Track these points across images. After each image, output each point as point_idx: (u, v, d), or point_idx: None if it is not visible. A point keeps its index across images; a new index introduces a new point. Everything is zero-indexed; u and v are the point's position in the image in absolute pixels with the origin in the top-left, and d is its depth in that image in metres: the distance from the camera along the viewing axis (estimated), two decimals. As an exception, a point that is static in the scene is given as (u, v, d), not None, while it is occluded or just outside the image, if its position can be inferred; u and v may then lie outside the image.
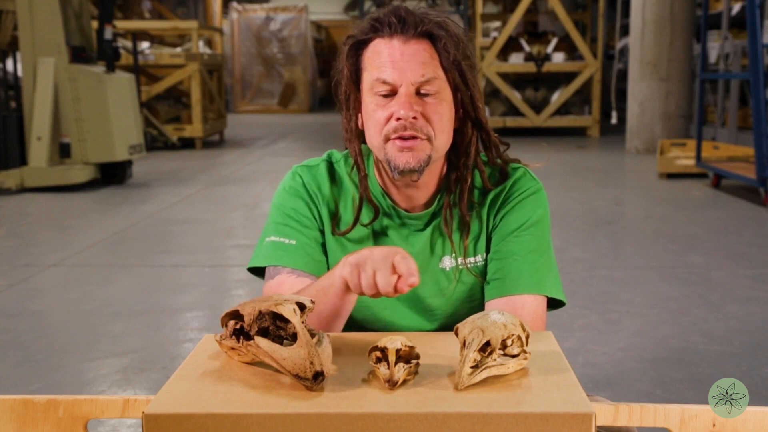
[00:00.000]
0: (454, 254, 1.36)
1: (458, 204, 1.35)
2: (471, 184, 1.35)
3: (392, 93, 1.26)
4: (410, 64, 1.25)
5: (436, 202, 1.36)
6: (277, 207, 1.38)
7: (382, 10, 1.30)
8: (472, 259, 1.36)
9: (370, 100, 1.28)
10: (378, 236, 1.37)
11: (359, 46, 1.30)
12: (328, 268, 1.37)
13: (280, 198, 1.39)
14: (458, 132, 1.33)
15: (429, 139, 1.26)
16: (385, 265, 1.10)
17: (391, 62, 1.25)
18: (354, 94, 1.32)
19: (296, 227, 1.35)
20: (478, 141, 1.36)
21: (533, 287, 1.31)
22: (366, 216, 1.36)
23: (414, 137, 1.25)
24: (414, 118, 1.24)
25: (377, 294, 1.12)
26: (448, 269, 1.36)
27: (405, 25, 1.26)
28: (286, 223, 1.36)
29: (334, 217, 1.38)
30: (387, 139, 1.27)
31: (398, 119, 1.25)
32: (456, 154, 1.35)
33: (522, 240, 1.33)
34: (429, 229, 1.37)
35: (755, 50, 5.53)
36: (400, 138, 1.25)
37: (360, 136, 1.35)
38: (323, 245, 1.38)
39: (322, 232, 1.38)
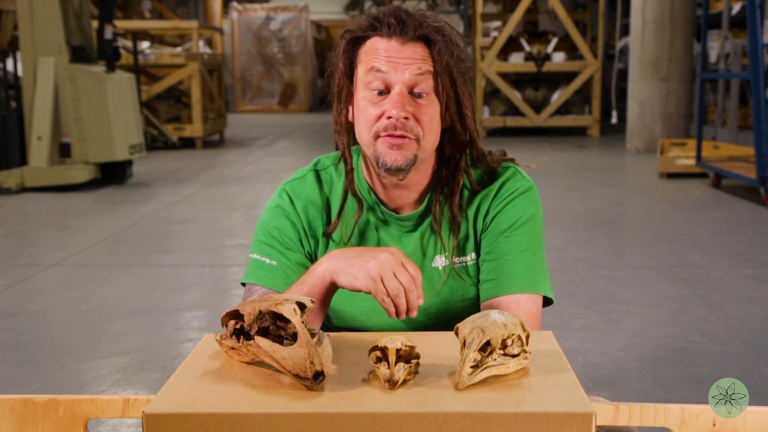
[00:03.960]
0: (445, 254, 1.36)
1: (448, 203, 1.35)
2: (461, 185, 1.36)
3: (386, 91, 1.27)
4: (406, 65, 1.26)
5: (425, 201, 1.37)
6: (263, 225, 1.39)
7: (382, 9, 1.31)
8: (463, 259, 1.37)
9: (362, 95, 1.29)
10: (372, 239, 1.38)
11: (356, 42, 1.31)
12: None
13: (267, 216, 1.39)
14: (448, 132, 1.34)
15: (417, 140, 1.27)
16: (400, 267, 1.15)
17: (387, 58, 1.26)
18: (347, 88, 1.33)
19: (278, 248, 1.35)
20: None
21: (527, 286, 1.31)
22: (351, 210, 1.37)
23: (403, 136, 1.26)
24: (405, 118, 1.25)
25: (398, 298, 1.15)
26: (440, 268, 1.37)
27: (404, 27, 1.26)
28: (268, 243, 1.36)
29: (328, 224, 1.39)
30: (377, 136, 1.27)
31: (389, 118, 1.25)
32: (445, 155, 1.36)
33: (514, 239, 1.33)
34: (420, 230, 1.37)
35: (755, 50, 5.53)
36: (390, 136, 1.26)
37: (349, 129, 1.36)
38: (313, 262, 1.38)
39: (311, 254, 1.38)
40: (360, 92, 1.30)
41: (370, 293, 1.16)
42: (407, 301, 1.15)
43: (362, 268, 1.16)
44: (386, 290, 1.14)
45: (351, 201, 1.38)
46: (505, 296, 1.31)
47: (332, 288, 1.22)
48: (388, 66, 1.26)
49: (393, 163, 1.27)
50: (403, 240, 1.37)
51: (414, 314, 1.16)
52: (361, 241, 1.38)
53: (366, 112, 1.28)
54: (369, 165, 1.36)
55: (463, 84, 1.30)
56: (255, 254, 1.37)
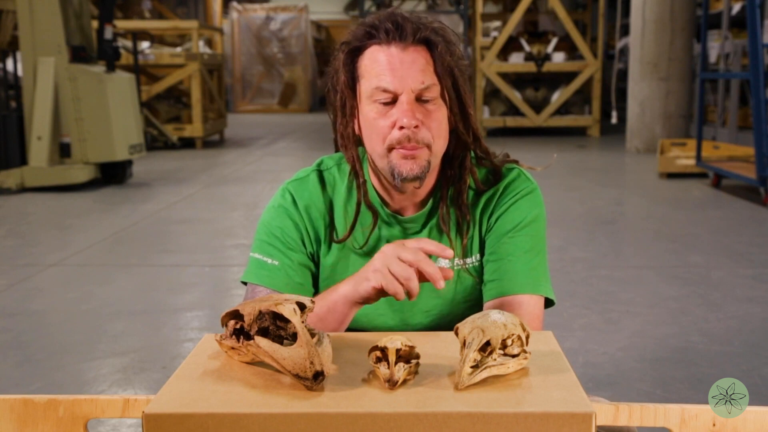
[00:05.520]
0: None
1: (455, 202, 1.35)
2: (467, 184, 1.36)
3: (392, 101, 1.26)
4: (410, 72, 1.25)
5: (430, 202, 1.36)
6: (265, 224, 1.38)
7: (377, 15, 1.29)
8: (467, 260, 1.36)
9: (369, 108, 1.28)
10: (375, 240, 1.38)
11: (354, 53, 1.29)
12: (316, 278, 1.39)
13: (269, 215, 1.39)
14: (452, 132, 1.33)
15: (428, 146, 1.27)
16: (401, 249, 1.15)
17: (391, 70, 1.25)
18: (350, 101, 1.31)
19: (280, 248, 1.35)
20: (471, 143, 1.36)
21: (530, 287, 1.31)
22: (364, 221, 1.37)
23: (415, 147, 1.26)
24: (416, 126, 1.25)
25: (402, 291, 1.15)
26: None
27: (403, 32, 1.25)
28: (270, 243, 1.36)
29: (330, 226, 1.38)
30: (391, 149, 1.27)
31: (401, 128, 1.25)
32: (449, 154, 1.35)
33: (517, 240, 1.33)
34: (426, 230, 1.37)
35: (755, 50, 5.53)
36: (403, 148, 1.26)
37: (357, 142, 1.35)
38: (315, 262, 1.39)
39: (313, 255, 1.38)
40: (366, 105, 1.28)
41: (383, 289, 1.16)
42: (428, 273, 1.14)
43: (369, 270, 1.18)
44: (395, 277, 1.14)
45: (363, 211, 1.37)
46: (508, 297, 1.31)
47: (354, 306, 1.23)
48: (393, 76, 1.24)
49: (409, 173, 1.27)
50: None
51: (441, 284, 1.14)
52: (368, 245, 1.38)
53: (376, 125, 1.27)
54: (377, 172, 1.35)
55: (464, 83, 1.30)
56: (256, 254, 1.36)
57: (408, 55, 1.25)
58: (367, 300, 1.21)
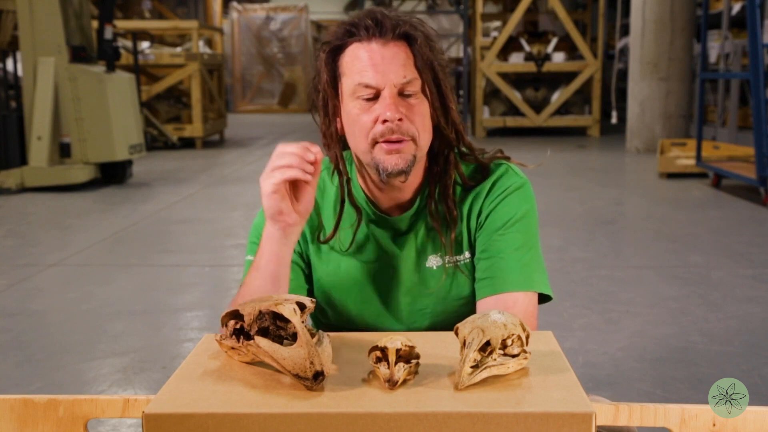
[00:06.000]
0: (440, 252, 1.36)
1: (442, 199, 1.35)
2: (453, 181, 1.36)
3: (375, 96, 1.26)
4: (391, 66, 1.25)
5: (418, 200, 1.36)
6: (256, 227, 1.39)
7: (356, 13, 1.30)
8: (458, 257, 1.36)
9: (352, 105, 1.28)
10: (365, 241, 1.38)
11: (335, 52, 1.30)
12: (312, 281, 1.40)
13: (259, 218, 1.39)
14: (435, 128, 1.34)
15: (414, 140, 1.27)
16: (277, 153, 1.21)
17: (372, 65, 1.25)
18: (332, 100, 1.32)
19: None
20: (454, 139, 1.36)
21: (523, 284, 1.31)
22: (348, 219, 1.37)
23: (400, 140, 1.26)
24: (400, 119, 1.25)
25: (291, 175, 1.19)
26: (435, 268, 1.36)
27: (382, 28, 1.26)
28: None
29: (319, 227, 1.39)
30: (374, 143, 1.27)
31: (384, 122, 1.25)
32: (434, 151, 1.35)
33: (508, 237, 1.33)
34: (414, 230, 1.37)
35: (755, 50, 5.53)
36: (387, 141, 1.26)
37: (340, 141, 1.35)
38: (306, 262, 1.39)
39: (301, 254, 1.39)
40: (348, 103, 1.29)
41: (288, 183, 1.20)
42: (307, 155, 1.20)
43: (262, 184, 1.21)
44: (283, 165, 1.19)
45: (348, 210, 1.37)
46: (501, 294, 1.31)
47: (284, 241, 1.24)
48: (375, 72, 1.25)
49: (394, 167, 1.27)
50: (398, 241, 1.37)
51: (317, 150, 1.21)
52: (357, 246, 1.38)
53: (359, 120, 1.27)
54: (363, 171, 1.35)
55: (444, 77, 1.31)
56: (249, 256, 1.37)
57: (389, 50, 1.26)
58: (282, 218, 1.22)
